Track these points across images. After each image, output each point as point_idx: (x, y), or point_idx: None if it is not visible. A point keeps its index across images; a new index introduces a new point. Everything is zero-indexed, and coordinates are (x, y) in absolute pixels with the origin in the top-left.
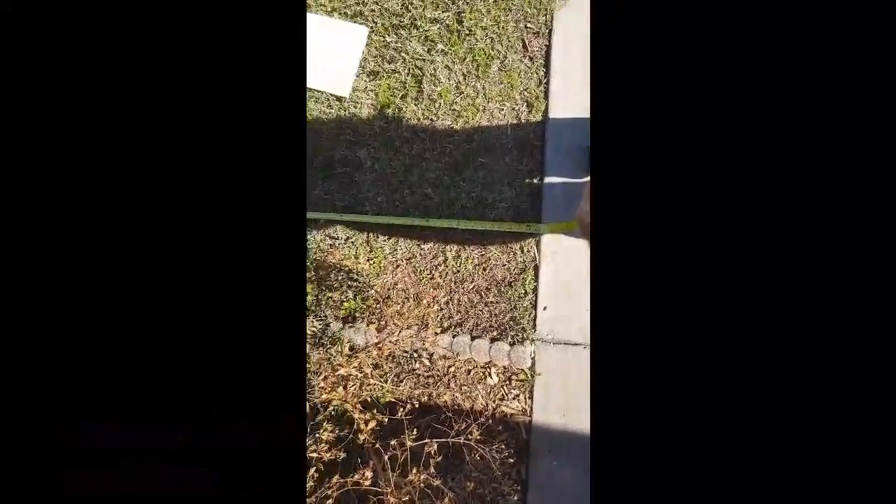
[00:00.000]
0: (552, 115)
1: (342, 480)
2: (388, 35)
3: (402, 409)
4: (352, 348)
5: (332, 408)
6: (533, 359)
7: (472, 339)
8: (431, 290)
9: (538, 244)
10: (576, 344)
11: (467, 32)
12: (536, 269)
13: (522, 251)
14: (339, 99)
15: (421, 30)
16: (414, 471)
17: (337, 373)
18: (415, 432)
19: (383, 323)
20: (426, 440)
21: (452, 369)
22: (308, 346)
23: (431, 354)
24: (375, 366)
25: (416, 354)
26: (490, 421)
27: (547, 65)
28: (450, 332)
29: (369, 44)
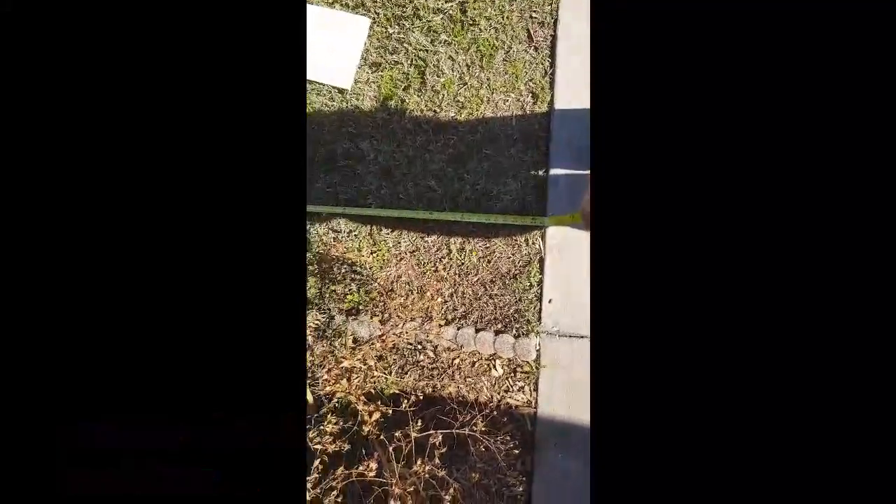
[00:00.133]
0: (558, 105)
1: (347, 472)
2: (391, 26)
3: (406, 401)
4: (355, 340)
5: (336, 400)
6: (538, 351)
7: (477, 331)
8: (435, 282)
9: (543, 236)
10: (581, 336)
11: (471, 22)
12: (542, 261)
13: (527, 243)
14: (340, 91)
15: (424, 20)
16: (419, 462)
17: (341, 365)
18: (419, 423)
19: (387, 315)
20: (431, 431)
21: (457, 361)
22: (312, 339)
23: (436, 347)
24: (379, 358)
25: (420, 346)
26: (495, 412)
27: (552, 55)
28: (454, 325)
29: (371, 35)
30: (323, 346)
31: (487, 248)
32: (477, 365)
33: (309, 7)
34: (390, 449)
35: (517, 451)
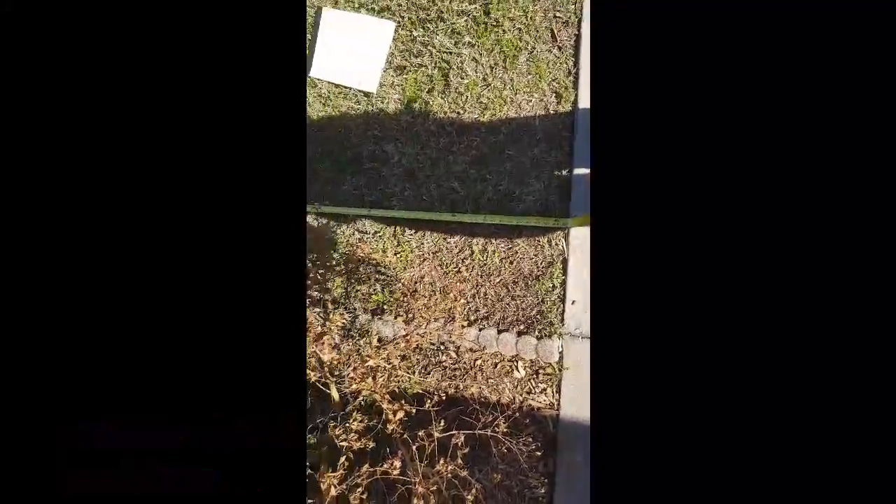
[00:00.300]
0: (582, 105)
1: (371, 469)
2: (415, 29)
3: (429, 401)
4: (380, 340)
5: (361, 398)
6: (561, 353)
7: (499, 332)
8: (458, 283)
9: (566, 237)
10: None
11: (494, 24)
12: (565, 262)
13: (550, 244)
14: (366, 95)
15: (448, 23)
16: (441, 461)
17: (366, 364)
18: (442, 423)
19: (411, 315)
20: (453, 431)
21: (479, 362)
22: (339, 338)
23: (458, 347)
24: (403, 357)
25: (442, 347)
26: (517, 414)
27: (576, 54)
28: (476, 326)
29: (396, 38)
30: (349, 345)
31: (510, 248)
32: (499, 366)
33: (335, 12)
34: (414, 448)
35: (539, 453)
